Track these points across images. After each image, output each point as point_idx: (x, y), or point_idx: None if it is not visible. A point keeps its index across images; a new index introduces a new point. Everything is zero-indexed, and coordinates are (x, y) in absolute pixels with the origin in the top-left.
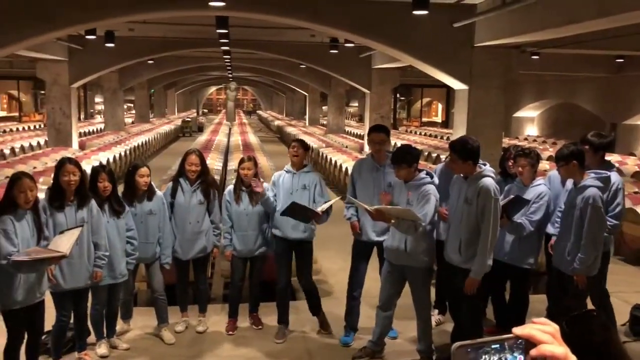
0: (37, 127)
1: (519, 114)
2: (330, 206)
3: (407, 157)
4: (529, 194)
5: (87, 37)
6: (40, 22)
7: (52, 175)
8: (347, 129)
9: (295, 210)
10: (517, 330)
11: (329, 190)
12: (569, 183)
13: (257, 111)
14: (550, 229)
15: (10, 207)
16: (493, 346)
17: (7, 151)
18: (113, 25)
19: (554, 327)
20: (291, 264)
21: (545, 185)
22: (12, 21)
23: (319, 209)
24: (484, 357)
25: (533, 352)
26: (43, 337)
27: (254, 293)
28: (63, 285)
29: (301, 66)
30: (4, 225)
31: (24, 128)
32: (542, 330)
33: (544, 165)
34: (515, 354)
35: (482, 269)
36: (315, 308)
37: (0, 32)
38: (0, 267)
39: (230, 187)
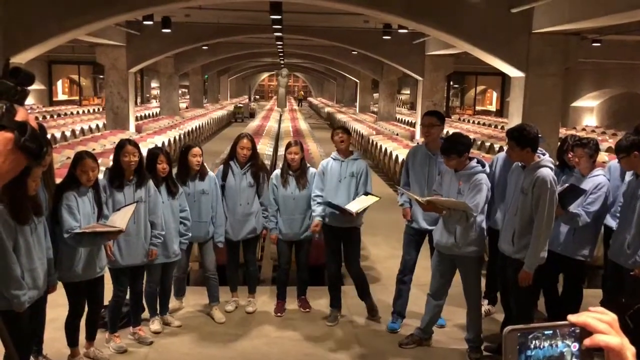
0: (96, 110)
1: (577, 103)
2: (366, 207)
3: (458, 146)
4: (587, 185)
5: (145, 22)
6: (102, 7)
7: (112, 156)
8: (398, 116)
9: (332, 206)
10: (573, 318)
11: (381, 183)
12: (629, 174)
13: (308, 98)
14: (610, 222)
15: (72, 184)
16: (546, 332)
17: (68, 133)
18: (170, 11)
19: (611, 317)
20: (340, 250)
21: (604, 175)
22: (75, 6)
23: (354, 211)
24: (533, 342)
25: (587, 341)
26: (102, 311)
27: (301, 277)
28: (120, 262)
29: (353, 53)
30: (68, 201)
31: (83, 111)
32: (598, 319)
33: (602, 156)
34: (568, 342)
35: (535, 261)
36: (364, 293)
37: (63, 17)
38: (62, 242)
39: (277, 171)
